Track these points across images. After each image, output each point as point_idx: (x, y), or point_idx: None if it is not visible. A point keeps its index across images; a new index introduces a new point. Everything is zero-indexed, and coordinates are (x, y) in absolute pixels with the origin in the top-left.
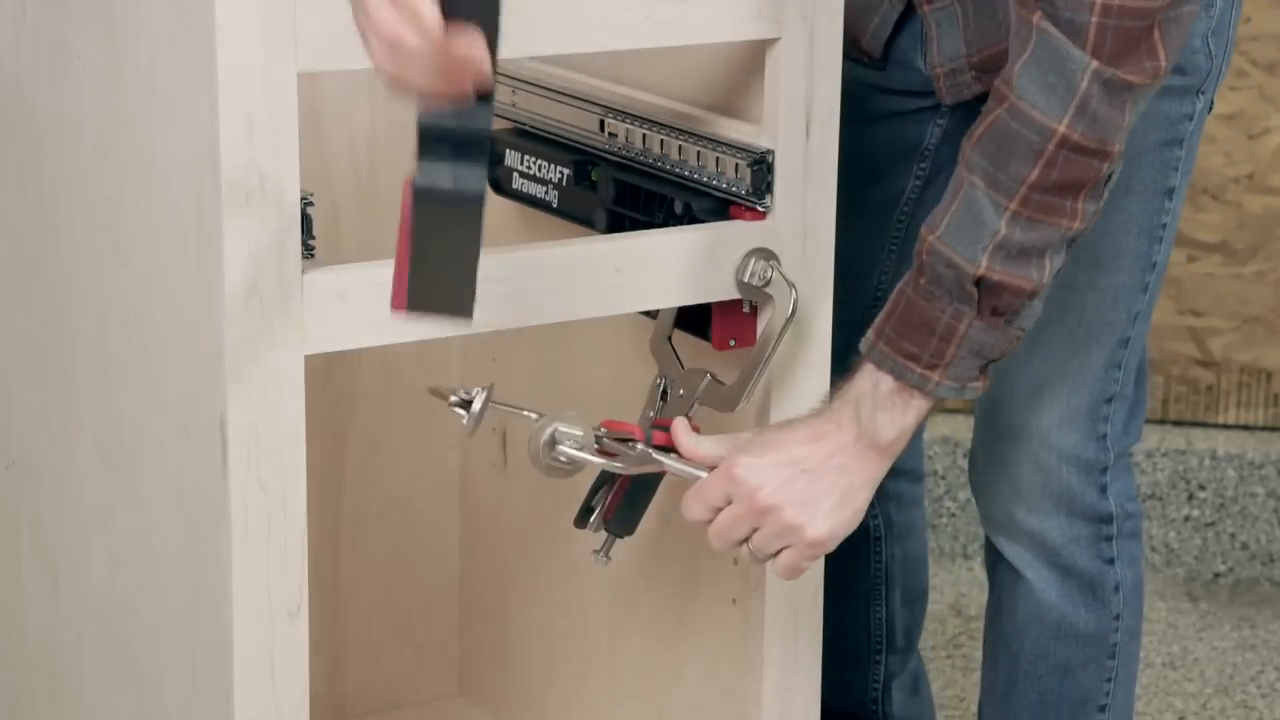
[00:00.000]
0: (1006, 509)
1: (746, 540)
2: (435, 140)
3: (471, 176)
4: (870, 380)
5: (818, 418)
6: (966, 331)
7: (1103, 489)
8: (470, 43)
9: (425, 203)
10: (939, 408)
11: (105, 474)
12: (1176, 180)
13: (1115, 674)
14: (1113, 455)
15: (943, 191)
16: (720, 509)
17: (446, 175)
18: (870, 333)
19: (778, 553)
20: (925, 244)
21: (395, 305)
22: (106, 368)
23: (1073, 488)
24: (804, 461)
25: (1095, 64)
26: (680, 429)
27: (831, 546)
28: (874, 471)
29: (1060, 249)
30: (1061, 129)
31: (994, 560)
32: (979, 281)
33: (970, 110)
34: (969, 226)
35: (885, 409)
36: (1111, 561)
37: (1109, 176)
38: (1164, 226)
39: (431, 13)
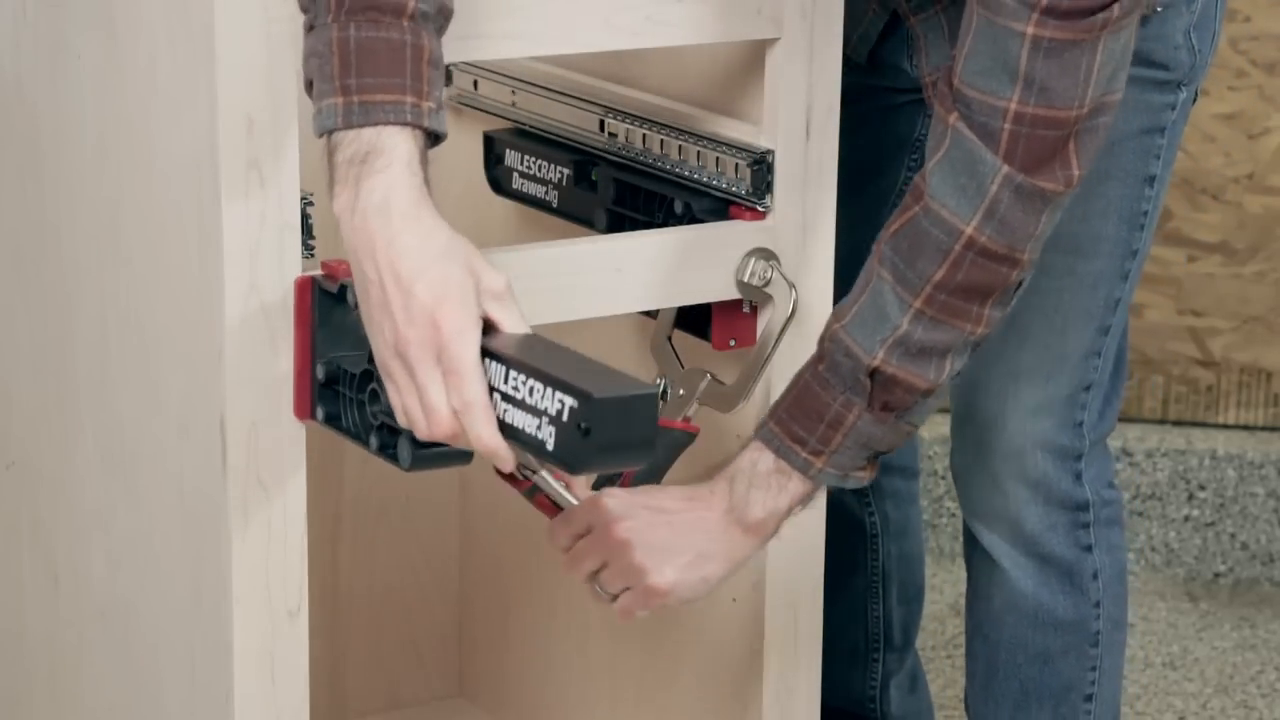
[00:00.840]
0: (984, 496)
1: (598, 574)
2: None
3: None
4: (751, 457)
5: (699, 483)
6: (855, 422)
7: (1078, 476)
8: (501, 453)
9: (419, 463)
10: (815, 494)
11: (105, 474)
12: (1158, 169)
13: (1099, 662)
14: (1088, 443)
15: None
16: (581, 537)
17: (439, 456)
18: (767, 411)
19: (621, 593)
20: (829, 331)
21: (299, 413)
22: (106, 368)
23: (1048, 475)
24: (671, 514)
25: (1006, 169)
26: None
27: (671, 601)
28: (735, 548)
29: (963, 352)
30: (969, 231)
31: (970, 549)
32: (873, 373)
33: None
34: (872, 319)
35: (760, 487)
36: (1089, 549)
37: (1019, 284)
38: (1145, 214)
39: (493, 436)
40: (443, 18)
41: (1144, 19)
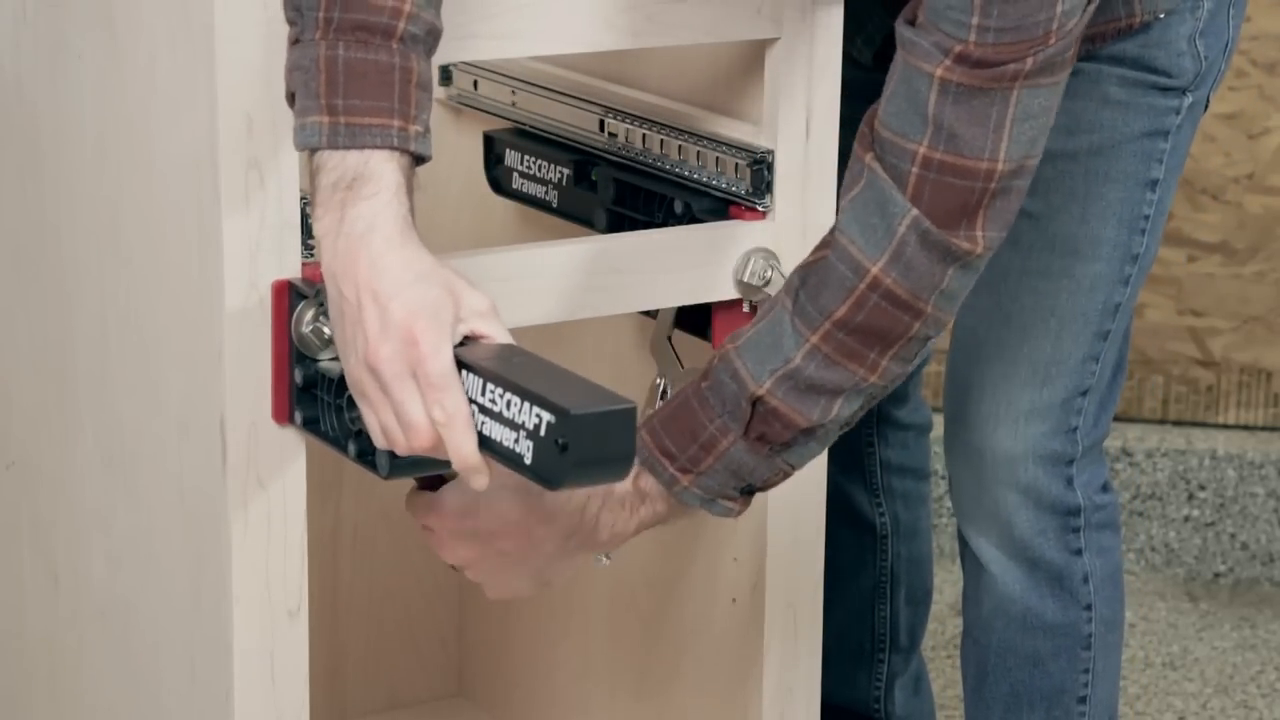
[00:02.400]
0: (974, 499)
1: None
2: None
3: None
4: None
5: (542, 503)
6: (728, 448)
7: (1069, 481)
8: (476, 469)
9: (396, 471)
10: (673, 517)
11: (105, 474)
12: (1161, 173)
13: (1092, 665)
14: (1081, 448)
15: None
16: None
17: (417, 464)
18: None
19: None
20: (722, 350)
21: (277, 417)
22: (106, 368)
23: (1039, 481)
24: (503, 551)
25: (915, 213)
26: None
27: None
28: (573, 564)
29: (854, 399)
30: (875, 270)
31: (963, 551)
32: (755, 402)
33: None
34: (766, 347)
35: (611, 509)
36: (1079, 552)
37: (924, 339)
38: (1146, 218)
39: (472, 453)
40: (432, 39)
41: (1145, 25)
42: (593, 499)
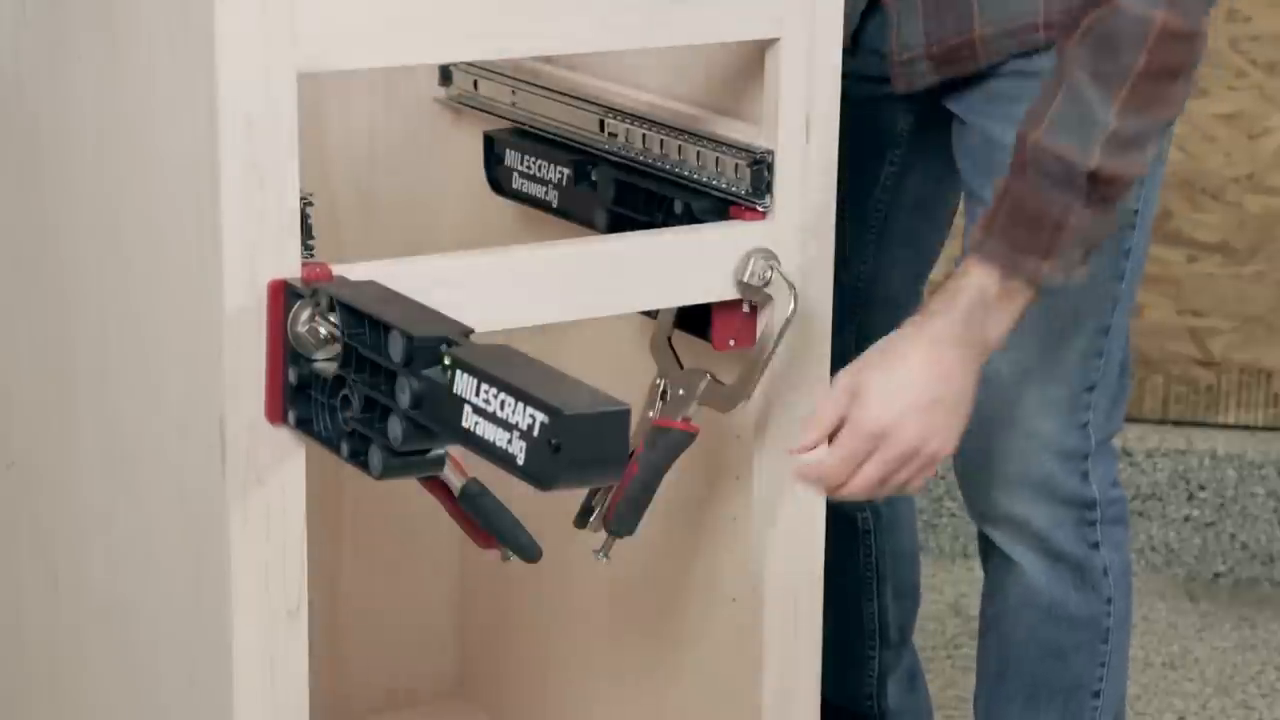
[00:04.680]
0: (990, 497)
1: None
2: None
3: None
4: (978, 283)
5: (931, 335)
6: (1076, 222)
7: (1084, 475)
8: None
9: (389, 472)
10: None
11: (105, 474)
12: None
13: (1108, 659)
14: (1094, 442)
15: (921, 180)
16: (832, 433)
17: (410, 465)
18: (975, 231)
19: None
20: (1026, 143)
21: (270, 416)
22: (106, 368)
23: (1054, 475)
24: (927, 386)
25: None
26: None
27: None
28: (977, 376)
29: (1157, 137)
30: (1161, 17)
31: (986, 548)
32: (1092, 175)
33: (940, 100)
34: (1077, 122)
35: (996, 310)
36: (1096, 546)
37: (1199, 62)
38: (1135, 213)
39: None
40: None
41: None
42: (975, 312)
